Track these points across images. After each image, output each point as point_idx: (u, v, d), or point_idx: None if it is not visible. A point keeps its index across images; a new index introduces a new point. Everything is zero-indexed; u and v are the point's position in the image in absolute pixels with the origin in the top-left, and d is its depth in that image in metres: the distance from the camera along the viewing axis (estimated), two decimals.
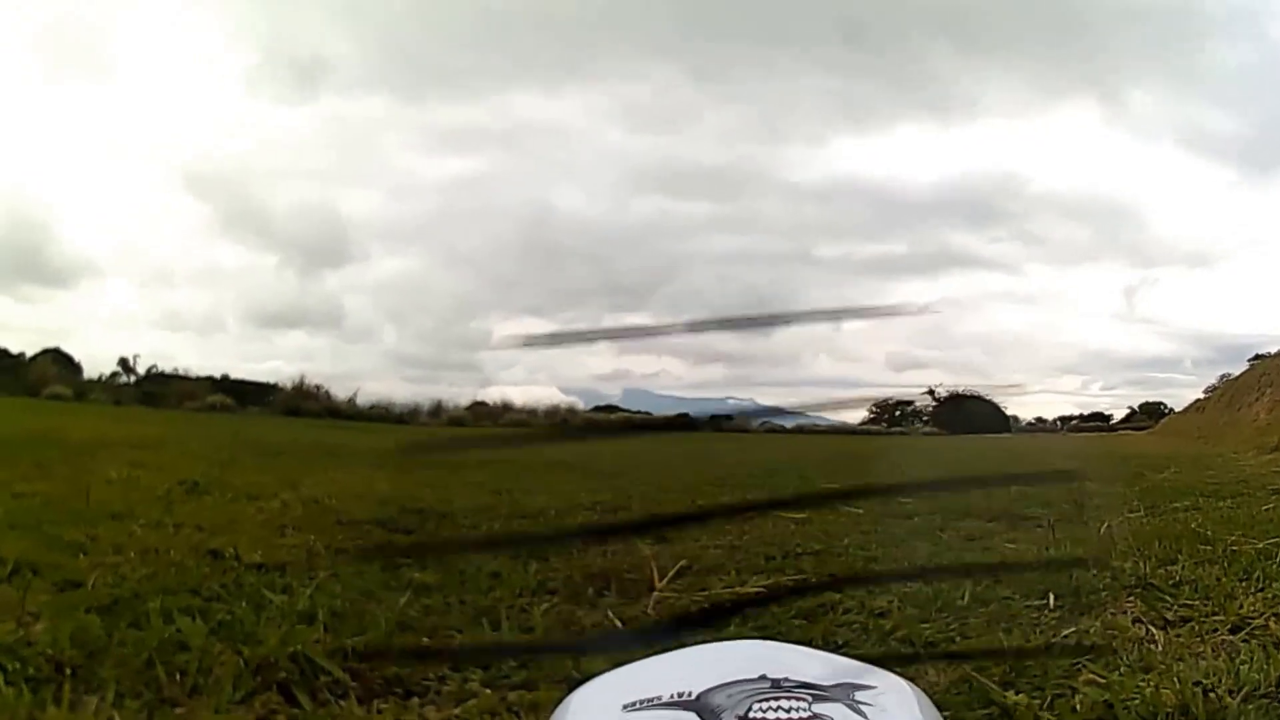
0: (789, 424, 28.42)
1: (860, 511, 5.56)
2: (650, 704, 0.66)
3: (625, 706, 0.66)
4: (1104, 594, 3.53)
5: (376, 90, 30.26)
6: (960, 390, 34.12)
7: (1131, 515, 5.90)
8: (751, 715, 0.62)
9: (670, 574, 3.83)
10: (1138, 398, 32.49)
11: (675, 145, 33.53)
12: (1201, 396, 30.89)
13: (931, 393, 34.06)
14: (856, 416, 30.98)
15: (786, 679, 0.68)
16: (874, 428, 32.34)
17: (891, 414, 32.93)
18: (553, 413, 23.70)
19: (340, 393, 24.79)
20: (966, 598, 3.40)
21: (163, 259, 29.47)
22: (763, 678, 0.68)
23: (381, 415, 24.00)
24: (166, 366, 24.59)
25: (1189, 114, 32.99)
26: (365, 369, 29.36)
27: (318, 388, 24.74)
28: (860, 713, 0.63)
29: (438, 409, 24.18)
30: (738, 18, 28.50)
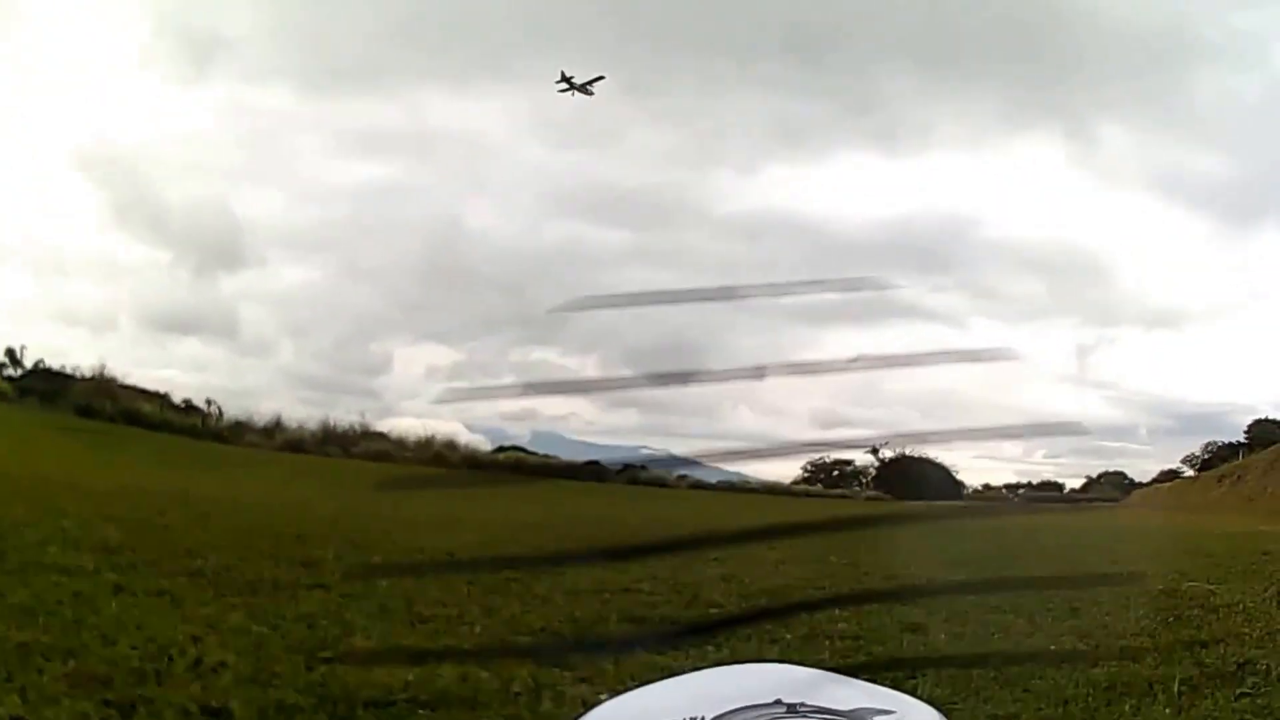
0: (714, 479, 26.67)
1: None
2: None
3: None
4: None
5: (280, 79, 26.85)
6: (907, 451, 30.75)
7: None
8: None
9: None
10: (1087, 467, 30.78)
11: (598, 164, 31.62)
12: (1179, 466, 28.69)
13: (875, 451, 30.92)
14: (785, 474, 27.84)
15: (803, 704, 0.68)
16: (810, 488, 28.41)
17: (829, 473, 28.98)
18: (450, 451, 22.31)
19: (233, 410, 22.32)
20: None
21: (56, 247, 26.25)
22: (778, 702, 0.68)
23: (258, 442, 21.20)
24: (55, 363, 22.49)
25: (1166, 154, 30.84)
26: (260, 385, 27.80)
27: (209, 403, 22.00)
28: None
29: (325, 437, 21.51)
30: (678, 24, 27.35)
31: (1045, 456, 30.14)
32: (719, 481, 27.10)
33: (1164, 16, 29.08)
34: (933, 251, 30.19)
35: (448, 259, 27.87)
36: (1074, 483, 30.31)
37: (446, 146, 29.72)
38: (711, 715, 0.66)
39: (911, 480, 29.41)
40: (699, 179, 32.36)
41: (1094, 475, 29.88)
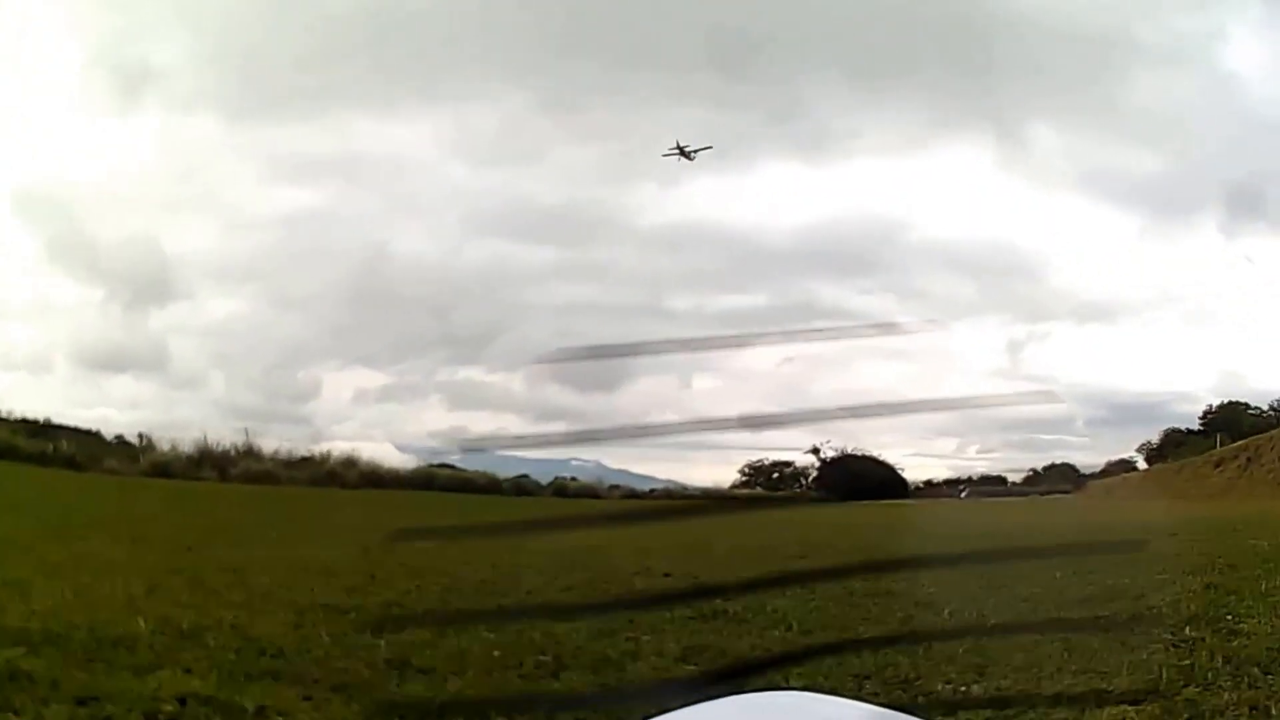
0: (647, 488, 24.86)
1: None
2: None
3: None
4: None
5: (209, 107, 26.64)
6: (850, 450, 29.41)
7: None
8: None
9: None
10: (1022, 460, 29.99)
11: (520, 182, 30.52)
12: (1132, 456, 28.02)
13: (816, 451, 29.74)
14: (722, 478, 26.73)
15: None
16: (750, 493, 26.93)
17: (768, 476, 27.48)
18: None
19: (165, 444, 21.50)
20: None
21: None
22: None
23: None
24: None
25: (1098, 153, 31.28)
26: (193, 418, 26.88)
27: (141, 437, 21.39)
28: None
29: (200, 460, 20.09)
30: (599, 38, 27.24)
31: (979, 452, 29.73)
32: (653, 490, 24.86)
33: (1100, 17, 29.14)
34: (859, 256, 30.14)
35: (374, 283, 27.83)
36: (1014, 477, 29.85)
37: (372, 171, 29.37)
38: None
39: (853, 479, 28.11)
40: (622, 193, 32.16)
41: (1038, 468, 29.13)
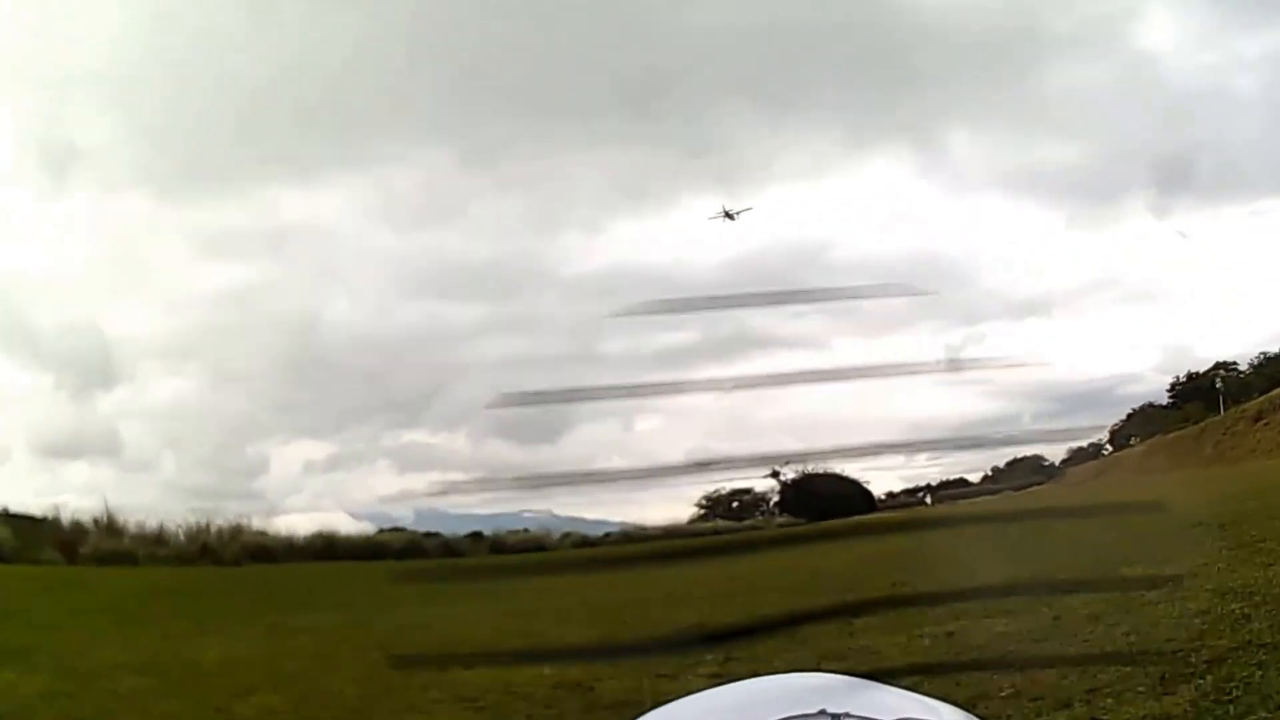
0: (599, 532, 24.97)
1: None
2: None
3: None
4: None
5: (137, 186, 26.30)
6: (810, 469, 27.54)
7: None
8: None
9: None
10: (972, 461, 30.34)
11: (446, 241, 30.45)
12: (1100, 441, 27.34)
13: (776, 474, 28.06)
14: (678, 514, 25.39)
15: (848, 714, 0.66)
16: (707, 526, 24.76)
17: (727, 506, 25.23)
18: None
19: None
20: None
21: None
22: (822, 713, 0.67)
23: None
24: None
25: (1017, 150, 32.37)
26: (148, 501, 26.06)
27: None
28: None
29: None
30: (506, 87, 26.79)
31: (929, 459, 29.77)
32: (607, 534, 25.17)
33: (1007, 12, 29.51)
34: (786, 281, 30.41)
35: (310, 354, 28.07)
36: (972, 477, 28.84)
37: (300, 241, 28.80)
38: None
39: (819, 499, 26.09)
40: (546, 244, 31.72)
41: (999, 466, 28.07)
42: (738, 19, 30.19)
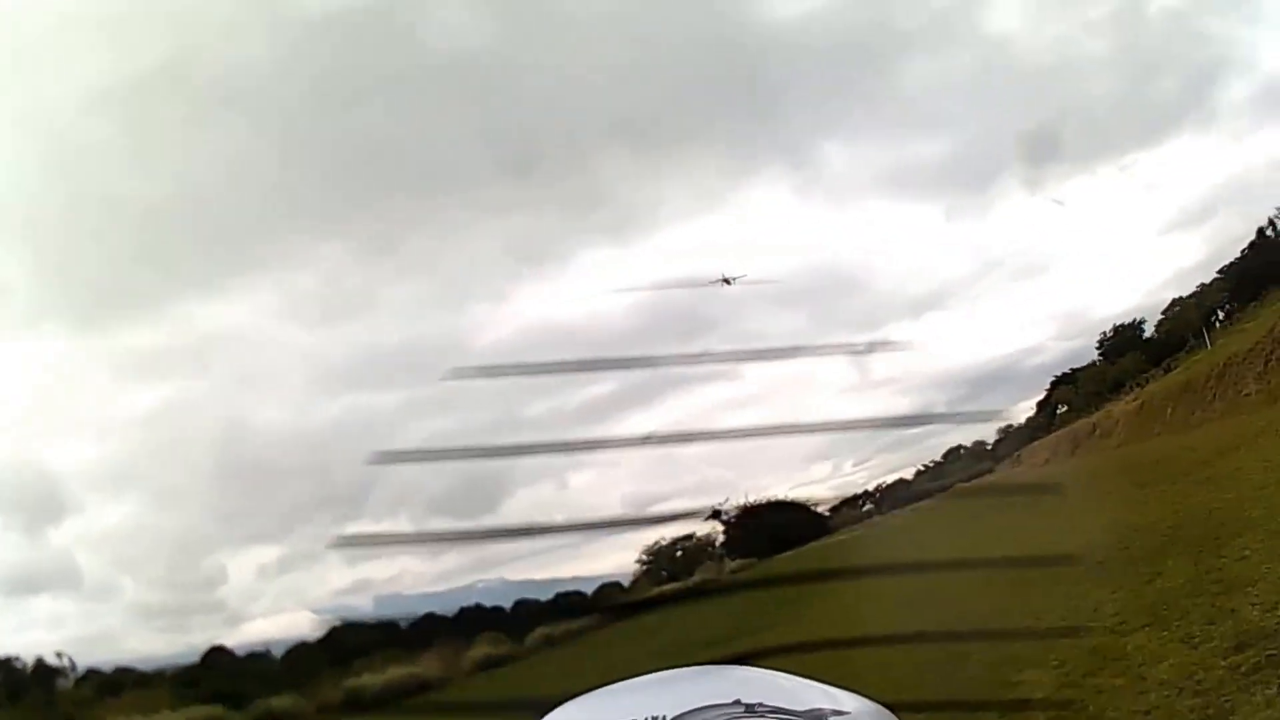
0: (546, 595, 24.52)
1: None
2: None
3: None
4: None
5: (52, 319, 27.90)
6: (752, 502, 25.73)
7: None
8: None
9: None
10: (897, 461, 29.37)
11: (356, 333, 31.83)
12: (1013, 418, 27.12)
13: (717, 514, 26.08)
14: (619, 567, 25.33)
15: (761, 704, 0.68)
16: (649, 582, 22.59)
17: (670, 558, 23.04)
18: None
19: (88, 659, 22.83)
20: None
21: None
22: (737, 703, 0.67)
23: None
24: None
25: (888, 153, 32.97)
26: (114, 628, 27.20)
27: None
28: None
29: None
30: (388, 171, 27.30)
31: (854, 466, 29.14)
32: (554, 597, 24.14)
33: (860, 19, 30.40)
34: (691, 317, 31.02)
35: (244, 461, 28.25)
36: (905, 474, 28.40)
37: (215, 352, 29.89)
38: (672, 715, 0.66)
39: (768, 532, 24.18)
40: (454, 320, 32.79)
41: (934, 461, 27.84)
42: (600, 65, 30.57)
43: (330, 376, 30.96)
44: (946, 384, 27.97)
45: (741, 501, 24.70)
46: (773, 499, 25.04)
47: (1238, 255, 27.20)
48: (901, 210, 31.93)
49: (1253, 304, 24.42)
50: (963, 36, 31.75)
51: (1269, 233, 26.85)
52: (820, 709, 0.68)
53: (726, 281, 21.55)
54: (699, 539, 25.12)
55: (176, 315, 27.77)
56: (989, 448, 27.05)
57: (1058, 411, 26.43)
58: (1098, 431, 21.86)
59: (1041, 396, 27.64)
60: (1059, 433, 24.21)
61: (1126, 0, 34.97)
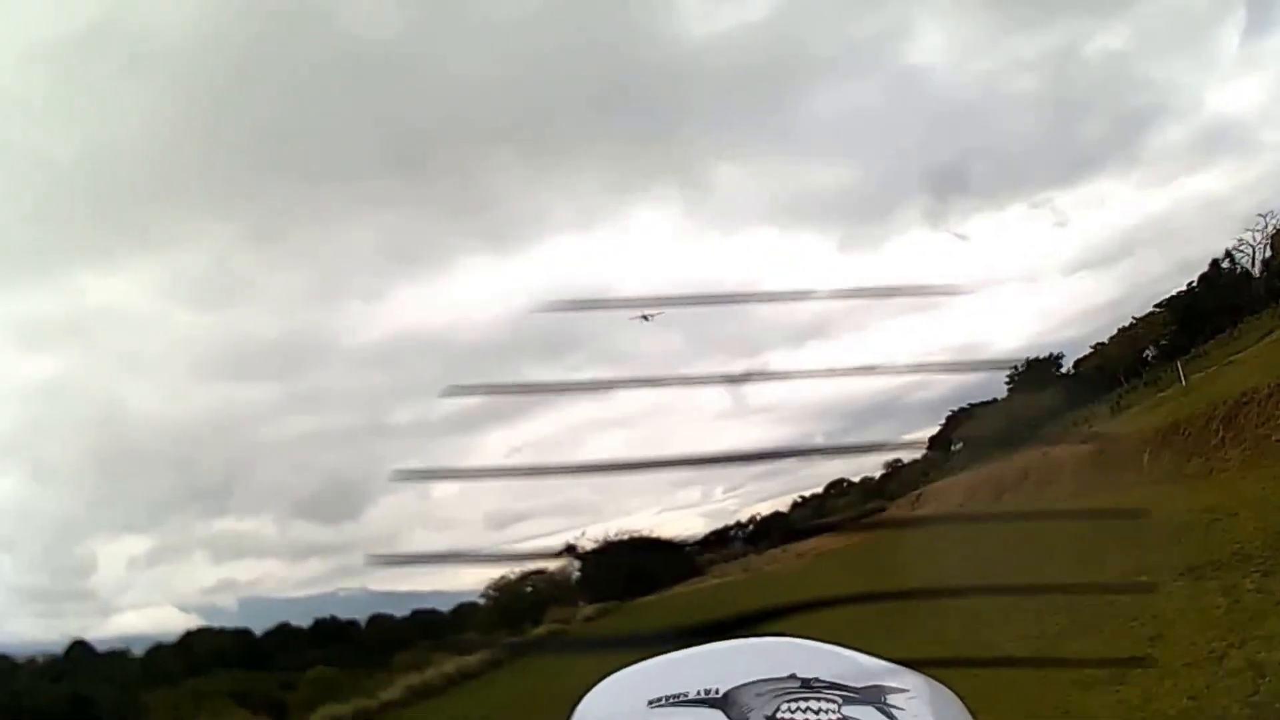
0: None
1: None
2: (676, 700, 0.65)
3: (650, 702, 0.65)
4: None
5: None
6: (614, 536, 23.30)
7: None
8: (780, 716, 0.61)
9: None
10: (771, 491, 29.91)
11: (237, 320, 30.55)
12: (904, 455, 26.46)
13: (572, 549, 23.88)
14: (476, 582, 27.54)
15: (817, 679, 0.66)
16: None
17: (518, 593, 20.37)
18: None
19: None
20: None
21: None
22: (792, 677, 0.66)
23: None
24: None
25: (785, 179, 32.63)
26: None
27: None
28: (891, 716, 0.62)
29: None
30: (287, 155, 26.52)
31: (725, 492, 29.58)
32: (411, 614, 24.87)
33: (774, 38, 29.80)
34: (565, 333, 31.47)
35: (119, 445, 28.46)
36: (782, 505, 28.09)
37: (102, 328, 28.88)
38: (726, 688, 0.64)
39: (633, 571, 21.66)
40: (329, 316, 32.85)
41: (804, 497, 27.18)
42: (500, 70, 30.34)
43: (208, 363, 30.85)
44: (826, 413, 27.77)
45: (601, 535, 22.12)
46: (635, 533, 22.79)
47: (1184, 289, 26.15)
48: (793, 238, 31.43)
49: (1216, 338, 22.73)
50: (881, 66, 32.07)
51: (1224, 264, 25.63)
52: (879, 684, 0.65)
53: (645, 318, 20.87)
54: (552, 573, 22.64)
55: (69, 285, 27.51)
56: (877, 482, 25.35)
57: (953, 448, 25.19)
58: (1032, 478, 18.88)
59: (934, 432, 26.46)
60: (972, 473, 21.68)
61: (1064, 39, 35.16)
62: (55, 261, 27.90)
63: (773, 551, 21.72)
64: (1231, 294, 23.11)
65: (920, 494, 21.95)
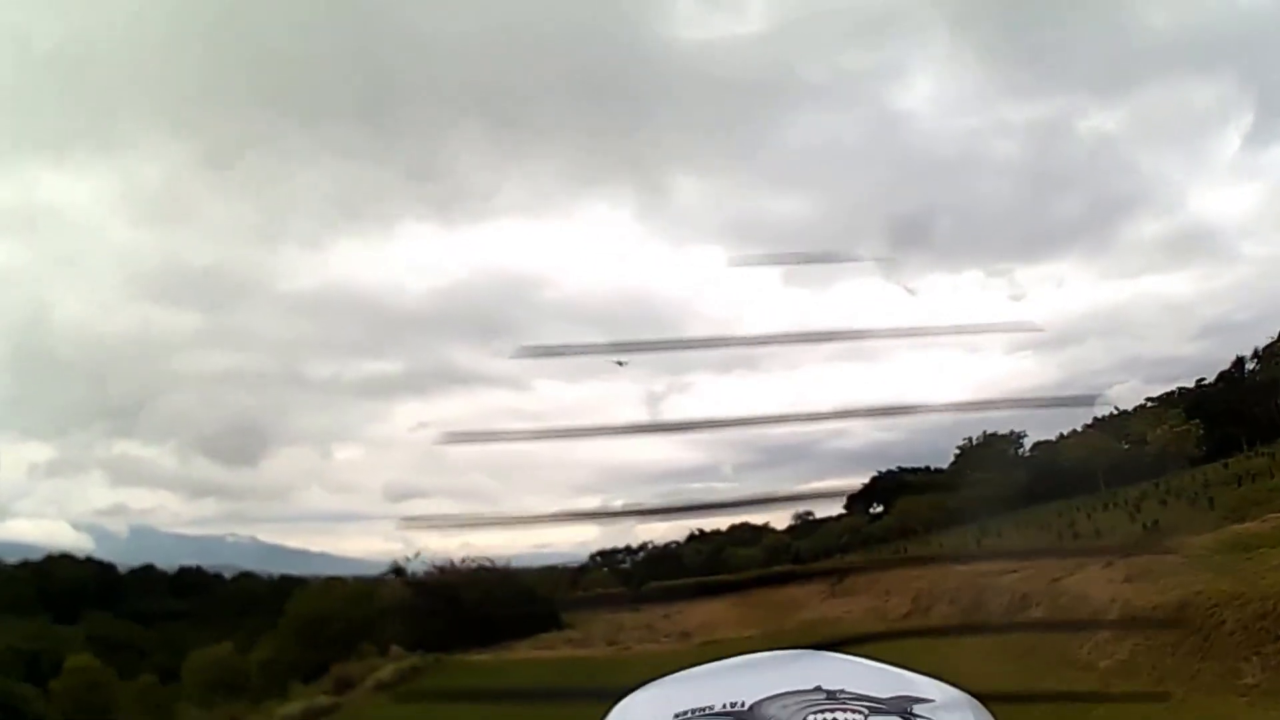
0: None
1: None
2: (703, 713, 0.65)
3: (677, 715, 0.66)
4: None
5: None
6: (463, 560, 19.39)
7: None
8: None
9: None
10: (671, 529, 27.66)
11: (175, 242, 29.98)
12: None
13: (400, 571, 21.37)
14: (371, 549, 26.11)
15: (842, 691, 0.66)
16: None
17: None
18: None
19: None
20: None
21: None
22: (818, 689, 0.66)
23: None
24: None
25: (744, 201, 29.61)
26: None
27: None
28: None
29: None
30: (256, 86, 26.01)
31: (625, 505, 25.74)
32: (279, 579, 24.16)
33: (763, 57, 26.79)
34: (494, 318, 30.12)
35: (37, 346, 27.98)
36: (678, 536, 27.05)
37: (44, 224, 28.26)
38: (752, 700, 0.64)
39: (477, 612, 17.69)
40: (266, 255, 32.10)
41: (720, 529, 25.42)
42: (479, 36, 26.28)
43: (139, 281, 29.69)
44: (741, 445, 26.40)
45: (445, 559, 17.64)
46: (486, 563, 19.04)
47: (1192, 386, 23.56)
48: (740, 261, 29.19)
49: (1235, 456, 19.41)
50: (865, 104, 29.63)
51: (1249, 365, 22.59)
52: (905, 696, 0.65)
53: (620, 364, 16.91)
54: (389, 590, 18.62)
55: (23, 175, 26.75)
56: (786, 535, 22.53)
57: (872, 509, 22.56)
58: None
59: (855, 488, 24.01)
60: (915, 571, 16.54)
61: (1056, 111, 32.65)
62: (13, 148, 26.21)
63: (652, 616, 18.05)
64: (1255, 400, 19.95)
65: (842, 580, 17.74)
